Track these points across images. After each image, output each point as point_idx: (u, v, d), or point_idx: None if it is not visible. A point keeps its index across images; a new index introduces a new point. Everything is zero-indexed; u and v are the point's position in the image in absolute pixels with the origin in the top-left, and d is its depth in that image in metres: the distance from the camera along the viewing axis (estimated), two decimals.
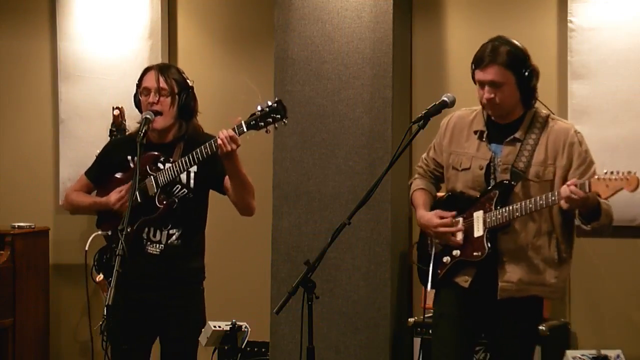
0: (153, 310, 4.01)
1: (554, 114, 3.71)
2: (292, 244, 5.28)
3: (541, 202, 3.44)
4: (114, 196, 4.04)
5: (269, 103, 3.77)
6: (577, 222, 3.55)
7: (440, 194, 3.89)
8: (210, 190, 4.12)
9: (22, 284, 5.95)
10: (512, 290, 3.56)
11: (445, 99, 3.56)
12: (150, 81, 4.00)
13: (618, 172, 3.29)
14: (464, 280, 3.62)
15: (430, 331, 3.90)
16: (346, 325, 5.16)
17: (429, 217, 3.70)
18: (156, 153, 3.99)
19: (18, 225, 5.99)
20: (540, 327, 4.70)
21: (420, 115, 3.54)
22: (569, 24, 5.00)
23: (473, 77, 3.63)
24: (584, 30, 4.96)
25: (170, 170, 3.93)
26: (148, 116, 3.92)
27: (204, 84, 5.92)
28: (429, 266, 3.70)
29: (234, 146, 3.78)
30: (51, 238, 6.20)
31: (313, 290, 3.38)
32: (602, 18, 4.93)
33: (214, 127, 5.39)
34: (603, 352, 4.62)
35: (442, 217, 3.66)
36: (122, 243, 3.43)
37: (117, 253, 3.42)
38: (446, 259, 3.66)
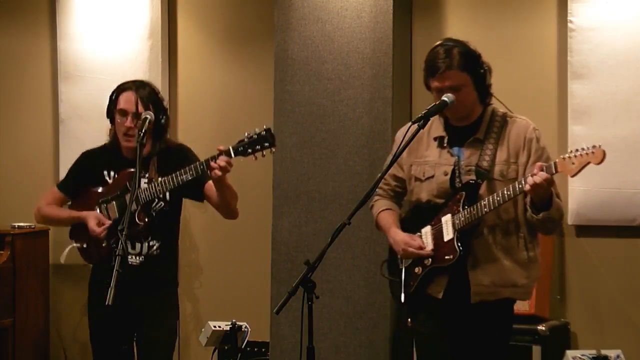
0: (129, 316, 4.00)
1: (511, 111, 3.67)
2: (292, 244, 5.28)
3: (508, 192, 3.40)
4: (92, 224, 4.00)
5: (257, 131, 3.75)
6: (528, 212, 3.49)
7: None
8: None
9: (22, 284, 5.95)
10: (485, 293, 3.53)
11: (445, 99, 3.53)
12: (127, 103, 4.01)
13: (583, 149, 3.26)
14: (437, 292, 3.59)
15: (415, 349, 3.88)
16: (346, 325, 5.16)
17: (402, 237, 3.65)
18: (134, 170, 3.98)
19: (18, 225, 6.00)
20: (540, 327, 4.71)
21: (420, 115, 3.51)
22: (569, 24, 5.00)
23: (427, 85, 3.60)
24: (584, 30, 4.96)
25: (152, 189, 3.94)
26: (148, 116, 3.92)
27: (204, 84, 5.95)
28: (400, 279, 3.66)
29: (226, 171, 3.79)
30: (51, 238, 6.20)
31: (313, 290, 3.37)
32: (602, 18, 4.93)
33: (213, 126, 5.43)
34: (603, 352, 4.63)
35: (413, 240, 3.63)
36: (122, 243, 3.44)
37: (117, 253, 3.42)
38: (418, 269, 3.62)
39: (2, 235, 5.92)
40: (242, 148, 3.75)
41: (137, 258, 4.03)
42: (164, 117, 4.07)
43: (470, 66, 3.54)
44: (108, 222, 4.00)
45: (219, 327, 5.17)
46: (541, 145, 3.57)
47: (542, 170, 3.32)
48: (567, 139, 4.96)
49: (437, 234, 3.58)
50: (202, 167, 3.82)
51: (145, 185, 3.97)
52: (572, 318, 5.06)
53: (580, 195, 4.95)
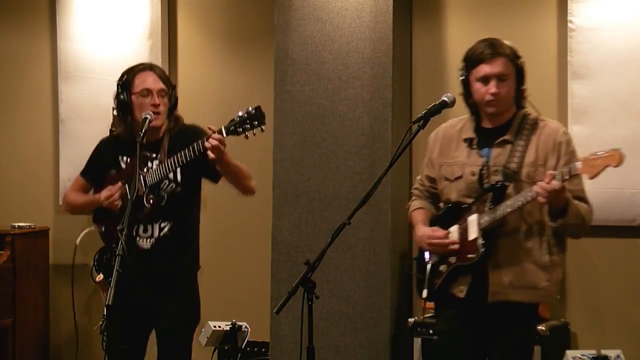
0: (147, 305, 4.01)
1: (542, 116, 3.68)
2: (292, 244, 5.28)
3: (526, 196, 3.42)
4: (104, 194, 4.07)
5: (249, 109, 3.77)
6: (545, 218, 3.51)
7: None
8: (204, 187, 4.14)
9: (22, 284, 5.96)
10: (502, 293, 3.53)
11: (445, 99, 3.54)
12: (151, 83, 4.03)
13: (602, 152, 3.27)
14: (459, 291, 3.59)
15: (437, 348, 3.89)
16: (346, 325, 5.16)
17: (424, 231, 3.69)
18: (147, 154, 4.00)
19: (18, 225, 6.00)
20: (540, 327, 4.71)
21: (420, 115, 3.52)
22: (569, 24, 5.00)
23: (467, 78, 3.60)
24: (584, 30, 4.96)
25: (158, 171, 3.96)
26: (148, 116, 3.94)
27: (204, 84, 5.96)
28: (425, 276, 3.68)
29: (221, 148, 3.79)
30: (51, 238, 6.20)
31: (313, 290, 3.37)
32: (602, 18, 4.93)
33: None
34: (603, 352, 4.63)
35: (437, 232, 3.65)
36: (122, 243, 3.44)
37: (117, 253, 3.43)
38: (442, 267, 3.63)
39: (2, 235, 5.93)
40: (233, 127, 3.76)
41: (148, 241, 4.03)
42: (173, 94, 4.09)
43: (515, 61, 3.60)
44: (117, 186, 4.01)
45: (219, 327, 5.18)
46: (570, 149, 3.57)
47: (553, 178, 3.33)
48: None
49: (463, 233, 3.59)
50: (199, 148, 3.82)
51: (155, 167, 3.98)
52: (572, 318, 5.06)
53: None
